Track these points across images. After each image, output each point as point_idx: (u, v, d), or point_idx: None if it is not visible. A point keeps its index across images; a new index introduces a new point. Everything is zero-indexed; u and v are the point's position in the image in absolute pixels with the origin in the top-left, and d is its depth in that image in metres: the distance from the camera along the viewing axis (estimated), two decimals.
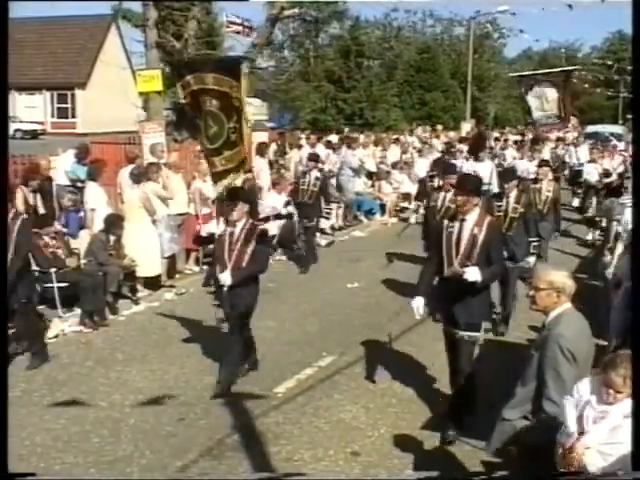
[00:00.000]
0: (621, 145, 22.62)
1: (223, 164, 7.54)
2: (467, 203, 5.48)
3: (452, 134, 26.64)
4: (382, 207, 16.36)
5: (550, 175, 10.70)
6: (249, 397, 6.24)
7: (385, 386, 6.52)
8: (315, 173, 11.33)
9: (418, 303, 5.58)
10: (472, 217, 5.52)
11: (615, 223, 9.22)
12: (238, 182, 7.34)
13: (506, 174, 8.94)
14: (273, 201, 12.34)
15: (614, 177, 14.44)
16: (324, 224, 11.61)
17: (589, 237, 13.60)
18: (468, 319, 5.46)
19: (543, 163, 11.12)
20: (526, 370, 4.27)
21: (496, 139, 24.26)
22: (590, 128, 32.96)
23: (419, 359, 7.18)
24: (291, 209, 12.12)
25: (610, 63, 45.00)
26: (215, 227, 9.44)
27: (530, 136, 22.92)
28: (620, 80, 48.72)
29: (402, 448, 5.35)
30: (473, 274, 5.30)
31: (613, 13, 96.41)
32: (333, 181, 16.08)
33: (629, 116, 31.16)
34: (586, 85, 48.13)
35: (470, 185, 5.64)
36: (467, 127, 32.08)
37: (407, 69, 41.31)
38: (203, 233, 10.59)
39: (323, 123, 32.52)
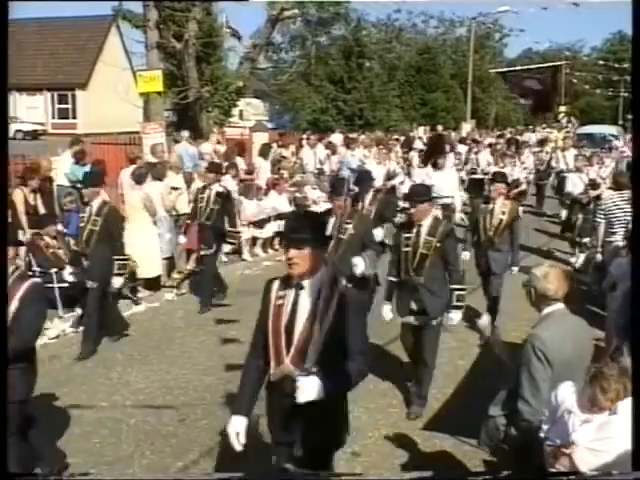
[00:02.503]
0: (620, 144, 22.55)
1: None
2: (302, 259, 3.22)
3: (453, 134, 26.63)
4: None
5: (524, 186, 8.97)
6: None
7: (385, 386, 6.53)
8: (216, 187, 9.00)
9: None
10: (313, 282, 3.28)
11: (602, 222, 8.84)
12: None
13: (361, 179, 6.36)
14: (273, 202, 12.36)
15: (602, 189, 11.18)
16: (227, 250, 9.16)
17: (573, 260, 11.52)
18: (314, 447, 3.37)
19: (497, 177, 8.57)
20: (512, 367, 4.27)
21: (474, 141, 21.37)
22: (583, 129, 32.47)
23: None
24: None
25: (617, 66, 44.86)
26: None
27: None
28: (620, 80, 48.70)
29: (402, 448, 5.36)
30: (305, 389, 3.10)
31: (613, 13, 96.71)
32: None
33: (629, 116, 31.09)
34: (586, 86, 48.23)
35: (302, 229, 3.26)
36: (467, 127, 32.11)
37: (408, 69, 41.37)
38: None
39: (323, 124, 32.54)
